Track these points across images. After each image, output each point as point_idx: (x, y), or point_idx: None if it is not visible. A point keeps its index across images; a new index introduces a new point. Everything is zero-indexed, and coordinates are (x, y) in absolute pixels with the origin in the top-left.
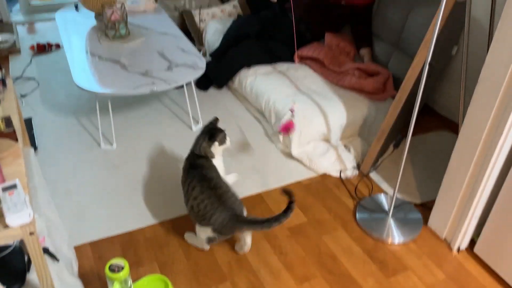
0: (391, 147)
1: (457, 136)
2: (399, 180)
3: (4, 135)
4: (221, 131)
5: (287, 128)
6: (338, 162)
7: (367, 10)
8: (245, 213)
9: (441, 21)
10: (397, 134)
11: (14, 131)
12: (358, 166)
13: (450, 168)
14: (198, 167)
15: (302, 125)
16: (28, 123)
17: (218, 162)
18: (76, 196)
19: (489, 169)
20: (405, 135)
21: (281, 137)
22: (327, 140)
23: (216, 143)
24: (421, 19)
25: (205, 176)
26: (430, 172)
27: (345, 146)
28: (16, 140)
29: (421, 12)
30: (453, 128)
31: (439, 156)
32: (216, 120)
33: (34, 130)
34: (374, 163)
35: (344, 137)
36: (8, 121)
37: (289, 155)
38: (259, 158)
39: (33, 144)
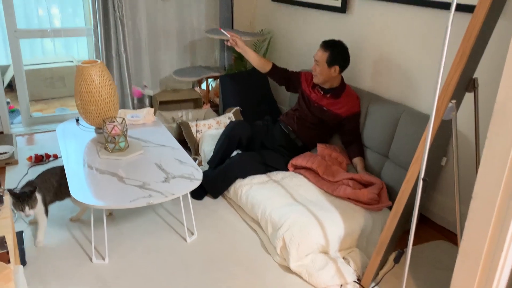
0: (391, 261)
1: (455, 246)
2: None
3: None
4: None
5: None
6: (338, 276)
7: (352, 120)
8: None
9: (430, 138)
10: (395, 244)
11: (7, 252)
12: (359, 280)
13: (453, 286)
14: None
15: (300, 236)
16: (19, 237)
17: None
18: None
19: (495, 283)
20: (403, 247)
21: (278, 249)
22: (325, 252)
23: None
24: (409, 130)
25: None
26: (433, 285)
27: (344, 258)
28: (9, 261)
29: (408, 124)
30: (450, 237)
31: (439, 267)
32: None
33: (24, 245)
34: (375, 276)
35: (343, 249)
36: (1, 242)
37: (287, 269)
38: (255, 272)
39: (22, 259)
